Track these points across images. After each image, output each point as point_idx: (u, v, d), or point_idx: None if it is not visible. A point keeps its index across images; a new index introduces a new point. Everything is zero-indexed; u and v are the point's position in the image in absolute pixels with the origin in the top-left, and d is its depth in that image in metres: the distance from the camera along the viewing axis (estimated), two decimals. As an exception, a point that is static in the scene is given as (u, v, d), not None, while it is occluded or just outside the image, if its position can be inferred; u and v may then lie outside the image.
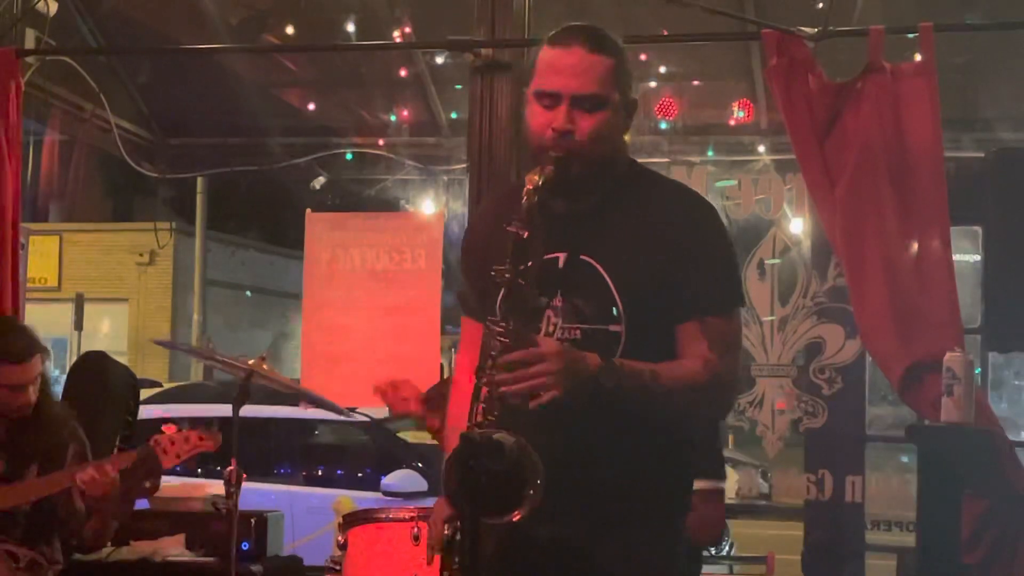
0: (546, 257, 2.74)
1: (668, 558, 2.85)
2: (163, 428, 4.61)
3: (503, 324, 2.63)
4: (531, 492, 2.51)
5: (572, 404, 2.57)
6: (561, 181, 2.71)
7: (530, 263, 2.66)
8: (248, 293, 24.54)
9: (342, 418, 7.11)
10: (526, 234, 2.65)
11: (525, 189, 2.68)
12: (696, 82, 7.99)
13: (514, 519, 2.52)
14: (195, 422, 6.16)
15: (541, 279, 2.71)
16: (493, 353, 2.63)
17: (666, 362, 2.72)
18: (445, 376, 6.59)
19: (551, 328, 2.75)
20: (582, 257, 2.75)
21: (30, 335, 4.67)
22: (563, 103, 2.74)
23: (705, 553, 4.81)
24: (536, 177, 2.69)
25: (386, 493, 8.00)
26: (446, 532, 2.70)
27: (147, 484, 4.69)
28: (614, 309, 2.73)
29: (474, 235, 3.02)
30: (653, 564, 2.79)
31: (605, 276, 2.74)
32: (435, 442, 4.85)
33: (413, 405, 4.79)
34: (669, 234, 2.77)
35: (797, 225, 6.20)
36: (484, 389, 2.62)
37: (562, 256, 2.76)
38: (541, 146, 2.76)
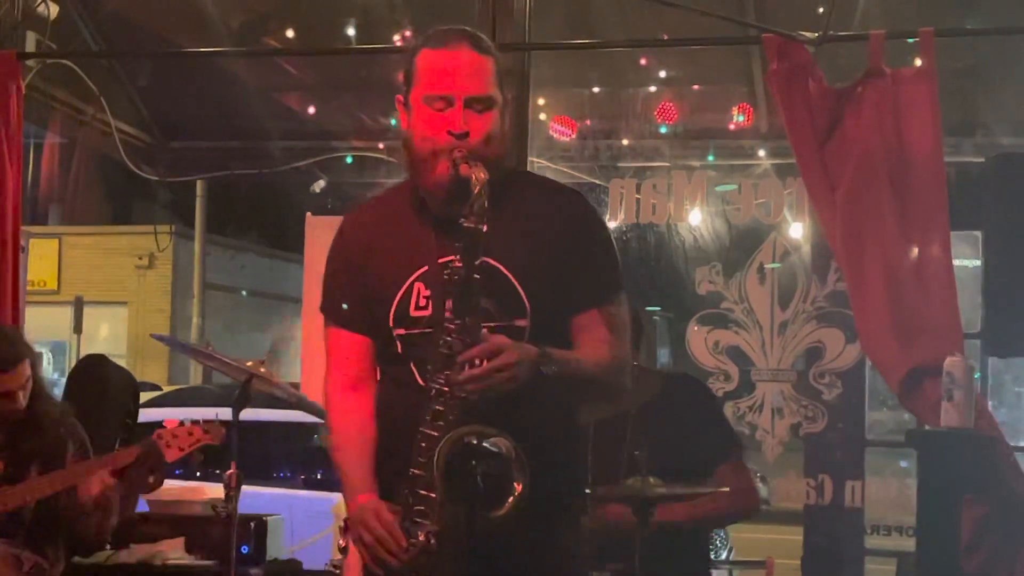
0: (441, 260, 2.75)
1: (573, 544, 2.92)
2: (164, 422, 4.60)
3: (457, 321, 2.64)
4: (517, 486, 2.54)
5: (523, 391, 2.63)
6: (459, 184, 2.71)
7: (483, 258, 2.68)
8: (244, 293, 24.50)
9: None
10: (484, 227, 2.66)
11: (473, 185, 2.67)
12: (696, 86, 7.98)
13: (504, 512, 2.54)
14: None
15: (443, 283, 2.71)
16: (445, 351, 2.64)
17: (581, 349, 2.81)
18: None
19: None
20: (485, 260, 2.74)
21: (15, 341, 4.64)
22: (456, 104, 2.75)
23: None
24: (483, 175, 2.68)
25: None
26: (421, 539, 2.66)
27: (151, 479, 4.68)
28: (521, 305, 2.78)
29: (354, 245, 2.99)
30: (559, 549, 2.84)
31: (508, 275, 2.78)
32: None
33: None
34: (557, 230, 2.85)
35: (797, 230, 6.20)
36: (442, 389, 2.64)
37: (454, 259, 2.74)
38: (437, 149, 2.76)
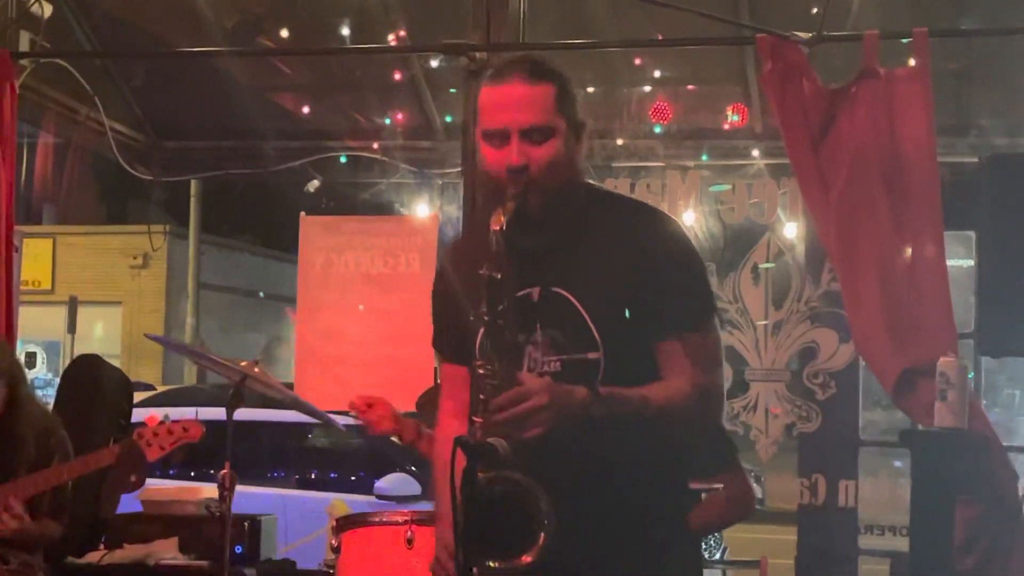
0: (519, 294, 2.73)
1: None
2: (146, 420, 4.59)
3: (488, 366, 2.62)
4: (542, 535, 2.51)
5: (564, 436, 2.56)
6: (523, 217, 2.69)
7: (506, 303, 2.64)
8: (262, 294, 24.51)
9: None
10: (499, 276, 2.63)
11: (491, 231, 2.65)
12: (690, 86, 7.99)
13: (524, 562, 2.51)
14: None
15: (518, 316, 2.69)
16: (482, 396, 2.61)
17: (654, 384, 2.72)
18: (438, 380, 6.59)
19: (531, 363, 2.74)
20: (555, 290, 2.73)
21: None
22: (512, 138, 2.72)
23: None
24: (501, 218, 2.66)
25: (379, 496, 7.98)
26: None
27: (132, 478, 4.67)
28: (592, 337, 2.72)
29: (444, 279, 3.00)
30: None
31: (578, 306, 2.73)
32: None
33: (387, 423, 4.82)
34: (637, 256, 2.76)
35: (791, 230, 6.20)
36: (479, 431, 2.61)
37: (535, 291, 2.74)
38: (499, 185, 2.73)
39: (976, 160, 5.60)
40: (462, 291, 2.86)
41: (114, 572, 5.27)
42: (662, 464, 2.79)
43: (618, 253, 2.77)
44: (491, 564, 2.52)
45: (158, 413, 4.69)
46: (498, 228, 2.66)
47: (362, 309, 6.70)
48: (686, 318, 2.78)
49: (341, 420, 5.64)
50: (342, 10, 7.49)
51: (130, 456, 4.53)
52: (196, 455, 4.68)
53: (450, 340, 2.96)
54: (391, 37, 7.43)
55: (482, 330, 2.65)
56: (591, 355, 2.72)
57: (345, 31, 7.54)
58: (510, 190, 2.70)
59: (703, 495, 4.34)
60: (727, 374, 6.02)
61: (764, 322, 6.08)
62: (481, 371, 2.62)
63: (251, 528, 5.42)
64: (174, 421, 4.59)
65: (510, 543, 2.51)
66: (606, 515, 2.69)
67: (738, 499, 4.40)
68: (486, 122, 2.76)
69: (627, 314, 2.72)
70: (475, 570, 2.57)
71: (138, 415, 5.92)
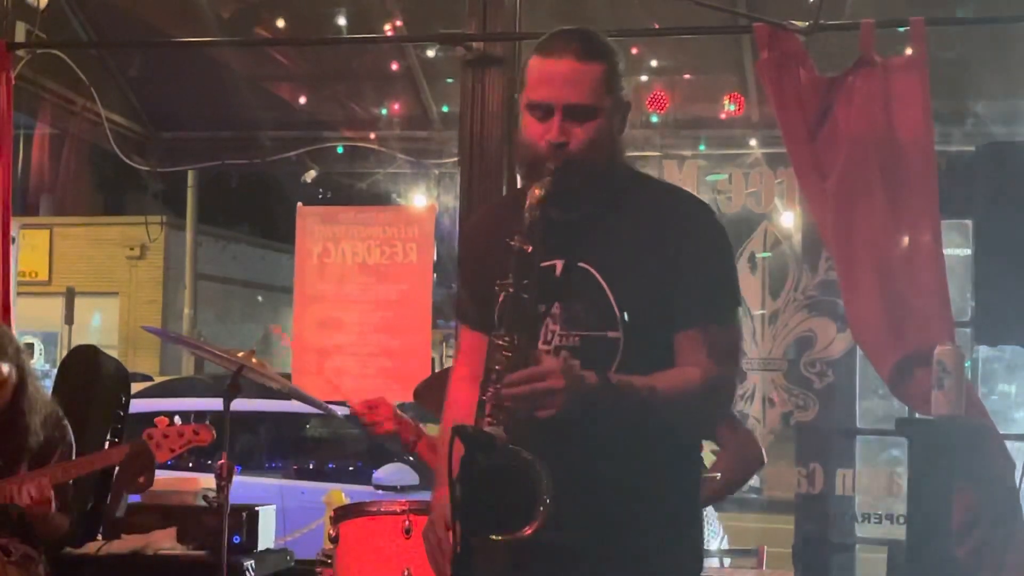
0: (542, 265, 2.71)
1: (676, 562, 2.83)
2: (156, 422, 4.59)
3: (507, 338, 2.62)
4: (541, 507, 2.50)
5: (573, 417, 2.56)
6: (559, 192, 2.68)
7: (532, 277, 2.64)
8: (259, 298, 24.48)
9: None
10: (529, 248, 2.64)
11: (528, 203, 2.66)
12: (687, 76, 7.99)
13: (525, 534, 2.51)
14: (186, 416, 6.15)
15: (539, 287, 2.68)
16: (498, 367, 2.61)
17: (665, 372, 2.70)
18: (436, 370, 6.59)
19: (549, 335, 2.73)
20: (580, 264, 2.72)
21: None
22: (556, 114, 2.72)
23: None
24: (538, 191, 2.66)
25: (377, 486, 8.00)
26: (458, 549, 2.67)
27: (141, 479, 4.67)
28: (613, 316, 2.71)
29: (472, 245, 3.00)
30: (662, 568, 2.78)
31: (603, 283, 2.72)
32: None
33: (388, 424, 4.82)
34: (667, 241, 2.74)
35: (788, 219, 6.20)
36: (487, 404, 2.61)
37: (559, 263, 2.73)
38: (537, 157, 2.73)
39: (973, 148, 5.60)
40: (488, 259, 2.84)
41: (112, 562, 5.27)
42: (663, 448, 2.77)
43: (649, 236, 2.75)
44: (494, 537, 2.51)
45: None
46: (534, 201, 2.66)
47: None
48: (710, 309, 2.76)
49: (339, 410, 5.65)
50: (338, 0, 7.49)
51: (139, 457, 4.54)
52: (192, 450, 4.69)
53: (470, 304, 2.95)
54: (387, 27, 7.42)
55: (502, 300, 2.65)
56: (611, 333, 2.71)
57: (341, 21, 7.54)
58: (548, 164, 2.70)
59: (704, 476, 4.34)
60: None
61: (761, 311, 6.08)
62: (500, 343, 2.62)
63: (249, 518, 5.42)
64: (184, 423, 4.59)
65: (510, 516, 2.50)
66: (602, 496, 2.69)
67: (742, 452, 4.38)
68: (531, 93, 2.76)
69: (651, 297, 2.71)
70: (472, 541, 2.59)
71: (135, 406, 5.93)
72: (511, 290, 2.63)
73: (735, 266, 2.90)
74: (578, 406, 2.55)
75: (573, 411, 2.55)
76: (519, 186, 2.92)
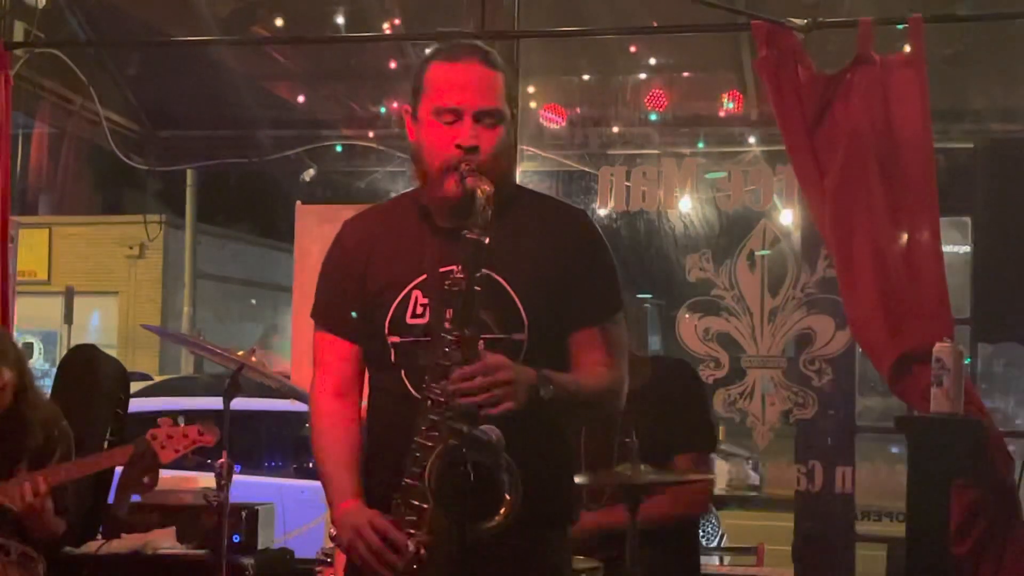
0: (442, 270, 2.74)
1: (562, 560, 2.94)
2: (159, 421, 4.59)
3: (456, 332, 2.63)
4: (508, 497, 2.54)
5: (522, 412, 2.61)
6: (466, 198, 2.71)
7: (483, 271, 2.67)
8: (253, 301, 24.44)
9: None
10: (487, 240, 2.66)
11: (480, 197, 2.68)
12: (686, 73, 7.99)
13: (501, 520, 2.54)
14: (186, 415, 6.15)
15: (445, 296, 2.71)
16: (445, 363, 2.63)
17: (580, 372, 2.83)
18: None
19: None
20: (485, 271, 2.73)
21: None
22: (465, 118, 2.76)
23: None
24: (487, 187, 2.69)
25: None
26: (411, 549, 2.67)
27: (145, 480, 4.67)
28: (518, 319, 2.78)
29: (355, 250, 2.98)
30: (549, 565, 2.87)
31: (508, 288, 2.78)
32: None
33: None
34: (558, 248, 2.86)
35: (787, 216, 6.20)
36: (437, 400, 2.63)
37: (457, 269, 2.72)
38: (445, 163, 2.76)
39: (972, 146, 5.60)
40: (371, 264, 2.90)
41: (112, 562, 5.28)
42: (554, 448, 2.89)
43: (541, 244, 2.86)
44: (486, 525, 2.54)
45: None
46: (483, 196, 2.69)
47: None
48: (602, 309, 2.90)
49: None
50: (337, -2, 7.50)
51: (143, 457, 4.54)
52: (197, 450, 4.69)
53: (343, 312, 2.96)
54: (386, 25, 7.42)
55: (457, 296, 2.67)
56: (516, 336, 2.78)
57: (340, 19, 7.53)
58: (464, 167, 2.74)
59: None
60: (724, 361, 6.04)
61: (760, 309, 6.08)
62: (449, 337, 2.64)
63: (249, 517, 5.43)
64: (189, 424, 4.59)
65: (476, 508, 2.53)
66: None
67: (684, 496, 4.30)
68: (440, 99, 2.80)
69: (550, 300, 2.82)
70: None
71: (135, 405, 5.93)
72: (463, 284, 2.64)
73: (616, 268, 3.00)
74: (528, 401, 2.62)
75: (527, 405, 2.61)
76: (411, 191, 2.98)
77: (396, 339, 2.83)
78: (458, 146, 2.75)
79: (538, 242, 2.85)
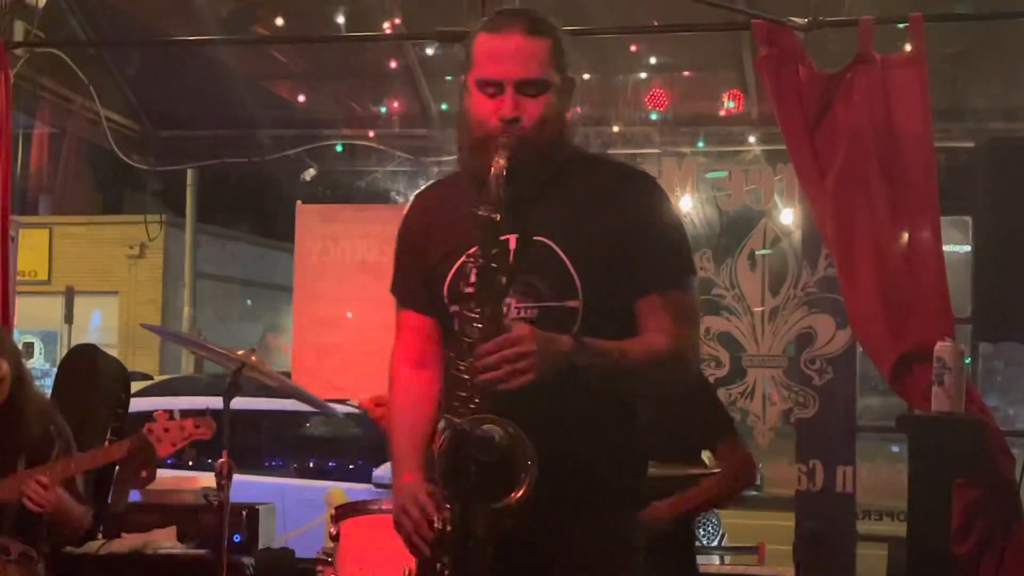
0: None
1: (629, 544, 2.87)
2: (155, 415, 4.58)
3: (478, 310, 2.63)
4: (525, 475, 2.52)
5: (545, 385, 2.58)
6: (512, 168, 2.71)
7: (499, 247, 2.66)
8: (249, 301, 24.42)
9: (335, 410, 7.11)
10: (498, 217, 2.65)
11: (493, 174, 2.67)
12: (686, 73, 7.99)
13: (511, 502, 2.53)
14: (187, 415, 6.15)
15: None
16: (468, 340, 2.63)
17: (633, 338, 2.76)
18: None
19: (506, 308, 2.74)
20: (536, 238, 2.75)
21: None
22: (507, 90, 2.76)
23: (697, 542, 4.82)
24: (501, 162, 2.69)
25: (378, 485, 7.98)
26: (436, 524, 2.68)
27: (143, 473, 4.67)
28: (571, 285, 2.75)
29: (417, 224, 3.00)
30: (616, 550, 2.82)
31: (560, 253, 2.76)
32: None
33: None
34: (619, 210, 2.81)
35: (788, 216, 6.20)
36: (463, 377, 2.63)
37: (512, 238, 2.74)
38: (488, 134, 2.76)
39: (972, 145, 5.60)
40: (431, 237, 2.90)
41: (112, 561, 5.28)
42: (623, 428, 2.84)
43: (601, 206, 2.81)
44: (495, 505, 2.54)
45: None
46: (497, 171, 2.68)
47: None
48: (668, 274, 2.83)
49: (339, 408, 5.65)
50: (337, -2, 7.49)
51: (141, 452, 4.53)
52: (194, 444, 4.68)
53: (413, 286, 2.98)
54: (386, 25, 7.41)
55: (453, 274, 2.68)
56: (570, 303, 2.75)
57: (340, 19, 7.53)
58: (501, 139, 2.73)
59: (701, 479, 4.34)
60: (724, 360, 6.04)
61: (761, 308, 6.08)
62: (471, 315, 2.64)
63: (249, 517, 5.43)
64: (184, 416, 4.58)
65: (494, 486, 2.53)
66: (577, 468, 2.71)
67: (732, 476, 4.39)
68: (481, 70, 2.80)
69: (609, 265, 2.76)
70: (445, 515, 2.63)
71: (135, 405, 5.93)
72: (480, 261, 2.64)
73: (685, 233, 2.95)
74: (554, 371, 2.59)
75: (549, 376, 2.58)
76: (461, 167, 2.96)
77: (456, 308, 2.80)
78: (500, 117, 2.75)
79: (595, 207, 2.81)
